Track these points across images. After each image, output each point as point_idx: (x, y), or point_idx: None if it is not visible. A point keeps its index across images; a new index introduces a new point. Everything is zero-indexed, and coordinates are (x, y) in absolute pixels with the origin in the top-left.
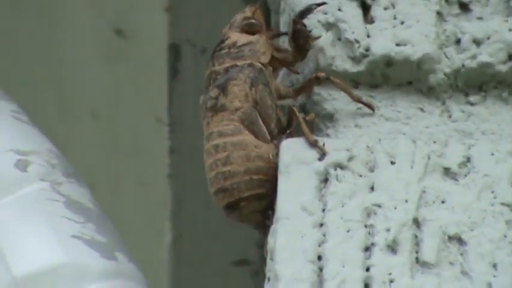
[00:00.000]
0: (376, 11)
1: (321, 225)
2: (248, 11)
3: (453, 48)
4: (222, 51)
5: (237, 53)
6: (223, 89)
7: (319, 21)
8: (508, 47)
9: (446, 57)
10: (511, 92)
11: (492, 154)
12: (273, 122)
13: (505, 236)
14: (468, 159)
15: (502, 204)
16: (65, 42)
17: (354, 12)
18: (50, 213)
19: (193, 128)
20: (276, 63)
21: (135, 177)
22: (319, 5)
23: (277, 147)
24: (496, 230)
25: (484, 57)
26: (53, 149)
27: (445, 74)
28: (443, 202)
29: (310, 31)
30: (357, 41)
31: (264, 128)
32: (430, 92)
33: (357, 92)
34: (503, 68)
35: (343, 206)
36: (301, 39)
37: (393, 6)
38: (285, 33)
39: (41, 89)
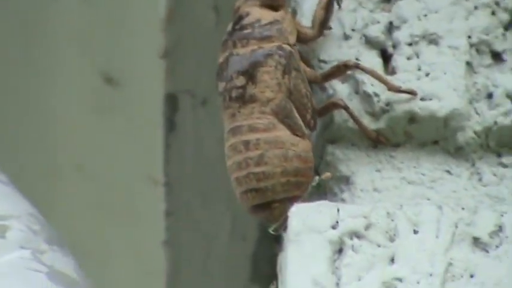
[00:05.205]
0: (398, 61)
1: None
2: None
3: (484, 103)
4: (245, 31)
5: (262, 32)
6: (252, 77)
7: None
8: None
9: (477, 113)
10: None
11: None
12: (309, 113)
13: None
14: (500, 228)
15: None
16: (51, 91)
17: (374, 62)
18: (31, 285)
19: (192, 188)
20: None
21: (126, 244)
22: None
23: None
24: None
25: None
26: (34, 213)
27: (475, 132)
28: (472, 276)
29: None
30: (377, 95)
31: (300, 121)
32: (458, 152)
33: (376, 152)
34: None
35: (359, 280)
36: (330, 13)
37: (417, 55)
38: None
39: (22, 143)
